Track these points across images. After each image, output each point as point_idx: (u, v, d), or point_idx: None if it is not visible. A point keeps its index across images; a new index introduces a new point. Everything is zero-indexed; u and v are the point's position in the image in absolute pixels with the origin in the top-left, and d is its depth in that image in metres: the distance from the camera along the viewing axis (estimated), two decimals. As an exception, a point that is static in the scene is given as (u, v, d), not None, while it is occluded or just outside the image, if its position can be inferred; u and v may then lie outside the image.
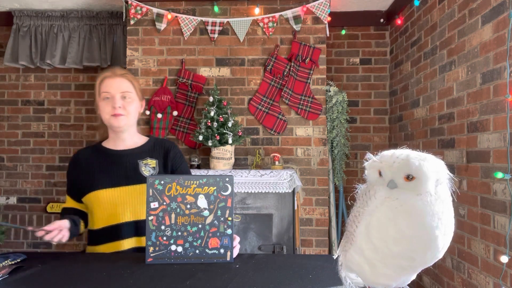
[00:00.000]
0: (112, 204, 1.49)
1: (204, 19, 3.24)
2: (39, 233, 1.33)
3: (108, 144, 1.60)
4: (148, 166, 1.55)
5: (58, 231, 1.35)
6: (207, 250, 1.25)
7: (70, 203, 1.61)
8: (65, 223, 1.40)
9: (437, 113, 2.73)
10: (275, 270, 1.18)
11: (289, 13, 3.22)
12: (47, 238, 1.34)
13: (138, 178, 1.51)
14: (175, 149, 1.64)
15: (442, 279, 2.64)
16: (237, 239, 1.36)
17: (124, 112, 1.51)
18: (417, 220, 0.75)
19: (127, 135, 1.58)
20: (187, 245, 1.25)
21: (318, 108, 3.20)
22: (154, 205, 1.24)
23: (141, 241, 1.49)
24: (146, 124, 3.26)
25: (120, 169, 1.53)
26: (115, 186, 1.50)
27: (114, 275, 1.13)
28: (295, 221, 2.87)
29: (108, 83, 1.51)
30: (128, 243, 1.48)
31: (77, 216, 1.53)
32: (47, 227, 1.34)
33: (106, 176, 1.51)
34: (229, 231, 1.26)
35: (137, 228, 1.49)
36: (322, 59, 3.23)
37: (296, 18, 3.22)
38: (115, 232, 1.49)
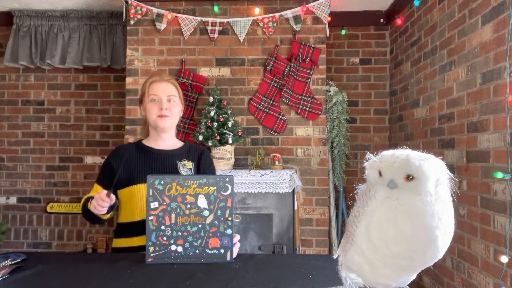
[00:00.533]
0: None
1: (204, 19, 3.24)
2: (106, 196, 1.36)
3: (149, 143, 1.71)
4: (185, 167, 1.66)
5: (106, 205, 1.38)
6: (207, 250, 1.25)
7: (99, 190, 1.62)
8: (113, 199, 1.41)
9: (437, 113, 2.73)
10: (275, 270, 1.18)
11: (289, 13, 3.22)
12: (99, 201, 1.36)
13: None
14: (206, 153, 1.78)
15: (442, 279, 2.64)
16: (237, 237, 1.37)
17: (169, 114, 1.64)
18: (417, 220, 0.75)
19: (168, 136, 1.70)
20: (187, 245, 1.25)
21: (318, 108, 3.20)
22: (154, 205, 1.24)
23: None
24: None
25: (160, 166, 1.62)
26: None
27: (114, 275, 1.13)
28: (295, 221, 2.87)
29: (156, 86, 1.65)
30: None
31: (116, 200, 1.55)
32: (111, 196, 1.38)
33: (146, 171, 1.60)
34: (229, 231, 1.26)
35: None
36: (322, 59, 3.23)
37: (296, 18, 3.22)
38: None
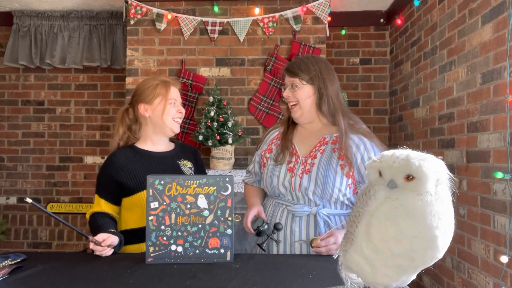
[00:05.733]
0: None
1: (204, 19, 3.24)
2: (92, 246, 1.34)
3: (146, 146, 1.69)
4: (186, 166, 1.68)
5: (109, 249, 1.34)
6: (207, 250, 1.25)
7: (104, 206, 1.59)
8: (115, 241, 1.38)
9: (437, 113, 2.73)
10: (275, 270, 1.18)
11: (289, 13, 3.22)
12: (97, 250, 1.33)
13: None
14: (198, 152, 1.83)
15: (442, 279, 2.64)
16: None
17: (182, 117, 1.71)
18: (417, 220, 0.75)
19: (167, 139, 1.73)
20: (187, 245, 1.25)
21: (318, 108, 3.19)
22: (154, 205, 1.24)
23: None
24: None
25: (165, 169, 1.62)
26: None
27: (114, 275, 1.13)
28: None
29: (175, 91, 1.69)
30: None
31: (121, 235, 1.48)
32: (102, 241, 1.33)
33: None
34: (229, 231, 1.26)
35: None
36: (322, 59, 3.23)
37: (296, 18, 3.23)
38: None
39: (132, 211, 1.60)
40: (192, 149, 1.80)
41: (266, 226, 1.42)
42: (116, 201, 1.61)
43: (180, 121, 1.69)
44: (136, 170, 1.60)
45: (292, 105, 1.53)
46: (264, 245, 1.43)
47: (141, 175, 1.59)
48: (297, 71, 1.52)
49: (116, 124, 1.75)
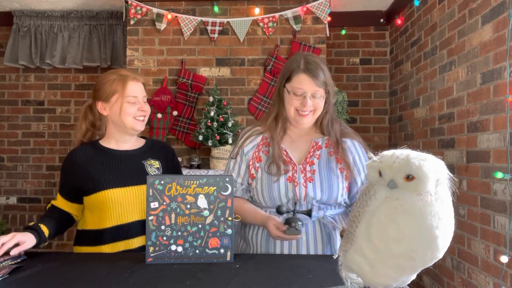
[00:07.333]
0: (121, 203, 1.49)
1: (204, 19, 3.25)
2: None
3: (109, 144, 1.58)
4: (153, 167, 1.58)
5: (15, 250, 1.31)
6: (207, 250, 1.25)
7: (60, 202, 1.56)
8: (26, 243, 1.37)
9: (437, 113, 2.73)
10: (275, 270, 1.18)
11: (289, 13, 3.22)
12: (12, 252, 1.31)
13: (145, 179, 1.49)
14: (172, 152, 1.70)
15: (442, 279, 2.64)
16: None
17: (146, 115, 1.57)
18: (417, 220, 0.75)
19: (133, 137, 1.61)
20: (187, 245, 1.25)
21: (318, 108, 3.19)
22: (154, 205, 1.24)
23: None
24: (146, 124, 3.26)
25: (127, 169, 1.53)
26: (124, 186, 1.51)
27: (114, 275, 1.13)
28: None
29: (134, 86, 1.53)
30: (137, 242, 1.50)
31: (41, 230, 1.47)
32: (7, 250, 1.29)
33: (113, 176, 1.51)
34: (229, 231, 1.26)
35: (145, 227, 1.48)
36: (322, 59, 3.22)
37: (296, 18, 3.23)
38: (124, 231, 1.49)
39: (91, 212, 1.54)
40: (164, 146, 1.68)
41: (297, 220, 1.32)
42: (74, 199, 1.54)
43: (143, 118, 1.54)
44: (94, 170, 1.50)
45: (307, 113, 1.43)
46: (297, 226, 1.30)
47: (99, 175, 1.50)
48: (322, 82, 1.42)
49: (79, 120, 1.63)
